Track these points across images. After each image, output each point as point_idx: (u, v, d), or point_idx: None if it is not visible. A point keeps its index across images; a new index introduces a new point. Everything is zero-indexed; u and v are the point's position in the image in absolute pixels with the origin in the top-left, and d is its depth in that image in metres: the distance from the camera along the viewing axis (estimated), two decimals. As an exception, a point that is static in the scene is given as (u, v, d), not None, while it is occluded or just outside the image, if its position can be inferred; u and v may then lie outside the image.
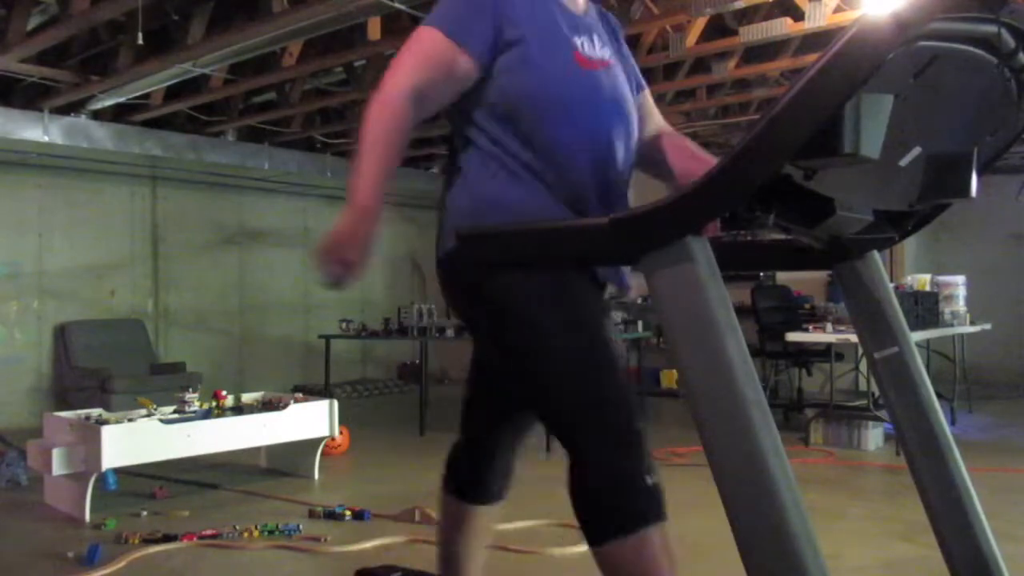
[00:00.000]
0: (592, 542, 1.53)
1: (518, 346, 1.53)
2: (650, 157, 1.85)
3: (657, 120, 1.89)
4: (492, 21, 1.57)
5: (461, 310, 1.70)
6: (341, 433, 4.78)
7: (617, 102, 1.67)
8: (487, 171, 1.59)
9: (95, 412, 4.11)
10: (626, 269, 1.74)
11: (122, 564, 3.05)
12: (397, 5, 4.13)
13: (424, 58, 1.57)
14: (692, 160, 1.78)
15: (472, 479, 1.93)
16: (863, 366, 6.45)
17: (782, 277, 7.53)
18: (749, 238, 1.82)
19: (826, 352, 5.87)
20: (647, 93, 1.88)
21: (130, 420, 3.91)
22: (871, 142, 1.09)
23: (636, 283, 1.75)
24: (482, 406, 1.92)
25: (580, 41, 1.64)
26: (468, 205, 1.61)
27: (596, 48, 1.68)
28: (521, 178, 1.57)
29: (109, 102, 6.00)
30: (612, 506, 1.45)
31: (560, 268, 1.51)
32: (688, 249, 1.14)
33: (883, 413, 5.14)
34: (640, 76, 1.87)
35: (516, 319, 1.51)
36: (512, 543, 3.23)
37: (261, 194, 8.36)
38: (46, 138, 6.14)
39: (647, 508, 1.44)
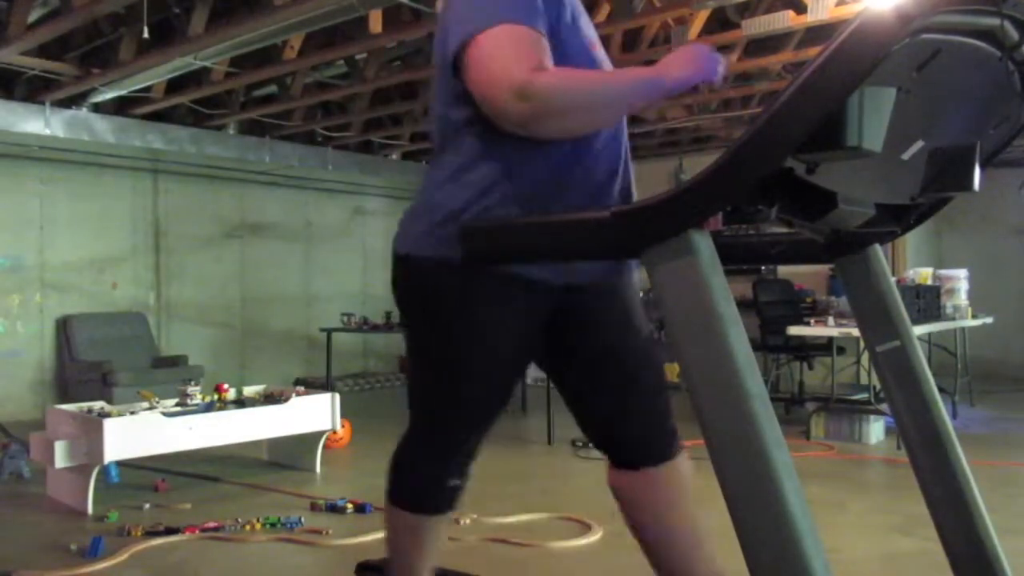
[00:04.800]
0: (386, 496, 1.86)
1: (422, 343, 1.72)
2: None
3: None
4: (545, 8, 1.46)
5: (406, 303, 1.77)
6: (343, 426, 4.79)
7: None
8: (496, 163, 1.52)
9: (97, 405, 4.12)
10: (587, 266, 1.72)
11: (124, 556, 3.06)
12: (398, -2, 4.12)
13: (528, 51, 1.37)
14: None
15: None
16: (864, 360, 6.45)
17: (784, 271, 7.52)
18: (751, 231, 1.82)
19: (827, 346, 5.87)
20: None
21: (132, 413, 3.92)
22: (874, 135, 1.09)
23: (637, 276, 1.75)
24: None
25: (584, 19, 1.61)
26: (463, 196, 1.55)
27: (588, 23, 1.63)
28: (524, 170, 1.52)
29: (110, 95, 6.00)
30: (402, 482, 1.83)
31: (499, 300, 1.58)
32: (690, 242, 1.14)
33: (884, 407, 5.15)
34: None
35: (424, 329, 1.70)
36: (512, 536, 3.24)
37: (262, 187, 8.37)
38: (48, 131, 6.14)
39: (428, 500, 1.80)
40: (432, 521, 1.81)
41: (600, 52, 1.64)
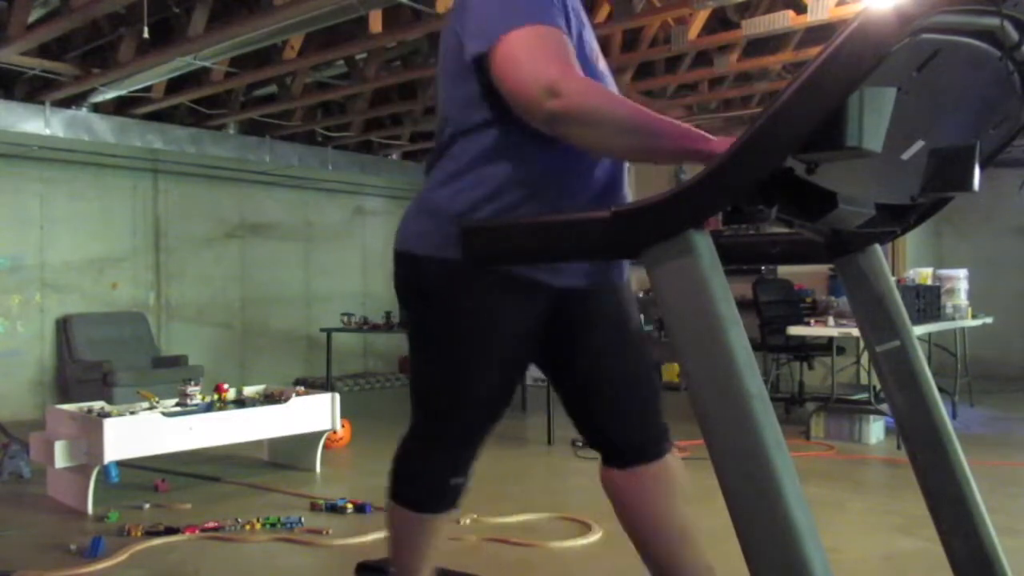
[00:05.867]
0: (388, 495, 1.87)
1: (425, 341, 1.73)
2: None
3: None
4: (562, 10, 1.47)
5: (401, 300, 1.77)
6: (343, 426, 4.80)
7: None
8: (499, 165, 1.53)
9: (97, 405, 4.12)
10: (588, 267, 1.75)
11: (124, 556, 3.06)
12: (398, -2, 4.12)
13: (562, 52, 1.37)
14: None
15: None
16: (864, 360, 6.45)
17: (784, 271, 7.52)
18: (751, 232, 1.82)
19: (827, 346, 5.87)
20: None
21: (132, 413, 3.92)
22: (874, 136, 1.09)
23: (637, 276, 1.76)
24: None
25: (586, 34, 1.61)
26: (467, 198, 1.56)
27: (592, 37, 1.65)
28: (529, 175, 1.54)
29: (110, 95, 6.00)
30: (406, 480, 1.84)
31: (500, 292, 1.60)
32: (690, 242, 1.14)
33: (884, 407, 5.15)
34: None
35: (426, 327, 1.70)
36: (512, 536, 3.24)
37: (262, 187, 8.37)
38: (48, 131, 6.14)
39: (431, 498, 1.81)
40: (435, 520, 1.83)
41: (603, 65, 1.64)
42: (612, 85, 1.66)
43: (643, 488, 1.76)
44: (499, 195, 1.54)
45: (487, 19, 1.43)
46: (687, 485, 1.81)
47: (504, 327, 1.63)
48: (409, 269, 1.68)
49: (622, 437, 1.76)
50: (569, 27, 1.48)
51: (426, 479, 1.80)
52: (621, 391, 1.74)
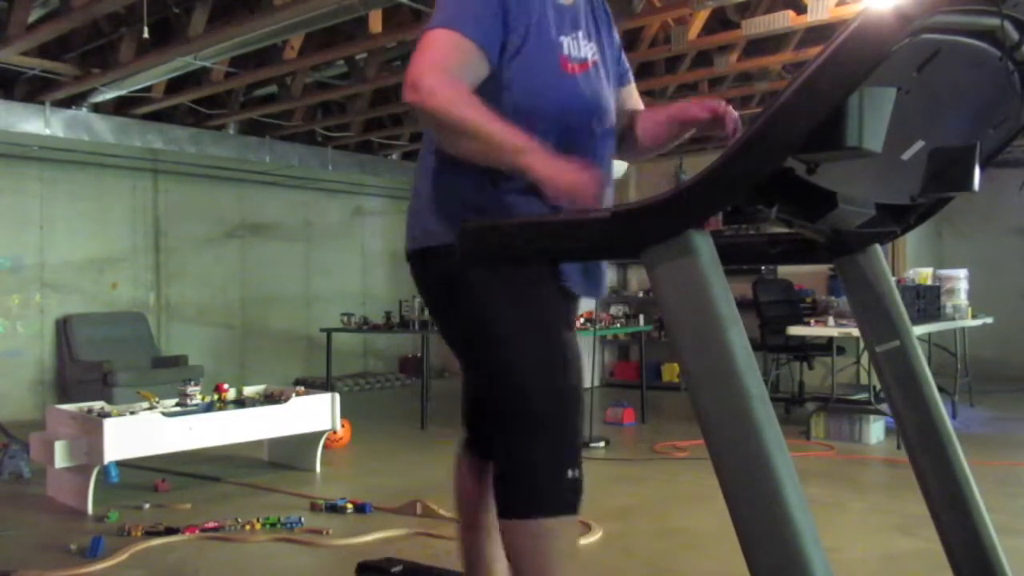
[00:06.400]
0: (503, 514, 1.63)
1: (482, 334, 1.64)
2: (624, 138, 1.89)
3: (636, 108, 1.91)
4: (501, 19, 1.55)
5: (433, 299, 1.75)
6: (343, 426, 4.79)
7: (593, 109, 1.68)
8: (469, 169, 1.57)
9: (97, 405, 4.12)
10: (604, 281, 1.83)
11: (124, 556, 3.06)
12: (398, -2, 4.12)
13: (446, 57, 1.51)
14: (654, 123, 1.85)
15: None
16: (864, 360, 6.45)
17: (784, 271, 7.52)
18: (751, 231, 1.82)
19: (827, 346, 5.87)
20: (632, 87, 1.89)
21: (132, 413, 3.92)
22: (874, 136, 1.09)
23: (637, 276, 1.77)
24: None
25: (567, 41, 1.64)
26: (457, 199, 1.62)
27: (581, 47, 1.67)
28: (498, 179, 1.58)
29: (110, 95, 5.99)
30: (530, 490, 1.60)
31: (531, 273, 1.62)
32: (690, 242, 1.14)
33: (884, 407, 5.15)
34: (627, 66, 1.88)
35: (485, 311, 1.61)
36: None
37: (262, 187, 8.37)
38: (47, 131, 6.14)
39: (563, 499, 1.60)
40: (569, 522, 1.66)
41: (574, 68, 1.64)
42: (586, 80, 1.67)
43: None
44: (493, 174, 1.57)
45: (434, 12, 1.60)
46: None
47: (549, 282, 1.66)
48: (437, 263, 1.65)
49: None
50: (506, 27, 1.56)
51: (548, 478, 1.61)
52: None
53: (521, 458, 1.60)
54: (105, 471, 3.96)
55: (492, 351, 1.62)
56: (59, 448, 3.63)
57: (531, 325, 1.61)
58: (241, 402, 4.35)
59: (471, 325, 1.66)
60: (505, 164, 1.49)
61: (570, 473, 1.60)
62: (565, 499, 1.61)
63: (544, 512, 1.58)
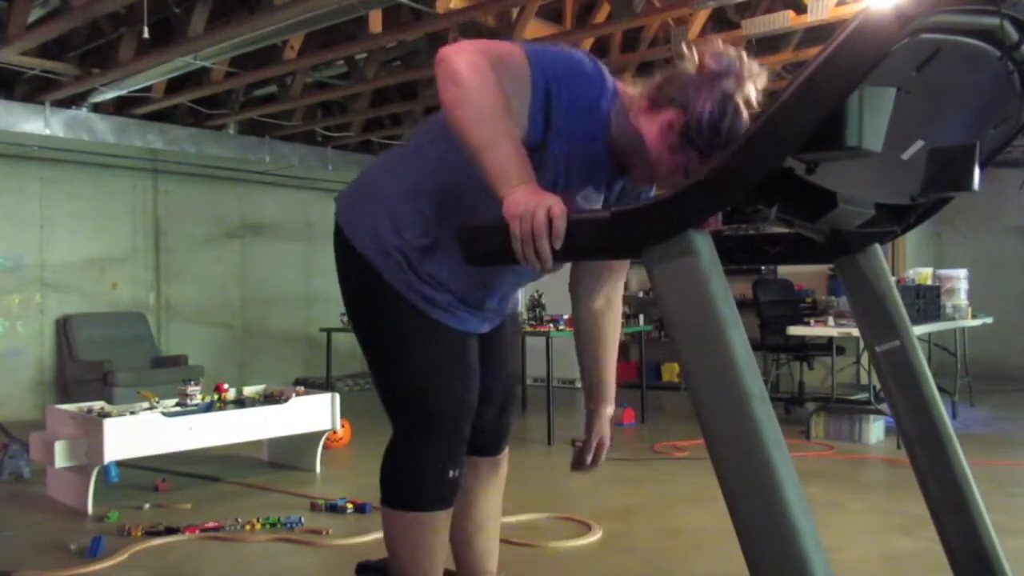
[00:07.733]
0: (382, 501, 1.86)
1: (373, 339, 1.90)
2: (579, 332, 2.04)
3: (608, 293, 1.98)
4: (544, 99, 1.52)
5: (343, 279, 2.07)
6: (343, 426, 4.79)
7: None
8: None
9: (97, 405, 4.12)
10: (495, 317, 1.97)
11: (124, 556, 3.06)
12: (398, -2, 4.12)
13: (496, 48, 1.46)
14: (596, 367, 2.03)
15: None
16: (864, 360, 6.45)
17: (784, 271, 7.52)
18: (751, 231, 1.82)
19: (827, 346, 5.87)
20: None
21: (132, 413, 3.92)
22: (874, 135, 1.09)
23: (637, 276, 1.77)
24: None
25: (582, 195, 1.66)
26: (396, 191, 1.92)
27: (594, 181, 1.68)
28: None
29: (110, 95, 5.99)
30: (400, 482, 1.83)
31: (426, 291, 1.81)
32: (690, 242, 1.14)
33: (884, 407, 5.15)
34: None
35: (383, 317, 1.86)
36: (512, 536, 3.23)
37: (262, 187, 8.36)
38: (47, 131, 6.13)
39: (440, 496, 1.81)
40: (440, 517, 1.84)
41: (567, 193, 1.57)
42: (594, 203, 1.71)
43: (478, 475, 2.05)
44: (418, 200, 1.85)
45: None
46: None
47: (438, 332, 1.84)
48: (353, 264, 2.11)
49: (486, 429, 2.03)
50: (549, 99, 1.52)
51: (423, 475, 1.82)
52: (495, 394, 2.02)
53: (408, 459, 1.81)
54: (105, 471, 3.95)
55: (381, 355, 1.86)
56: (59, 448, 3.63)
57: (418, 334, 1.78)
58: (241, 402, 4.34)
59: (364, 328, 1.92)
60: (484, 171, 1.31)
61: (451, 473, 1.80)
62: (442, 496, 1.81)
63: (423, 507, 1.79)
